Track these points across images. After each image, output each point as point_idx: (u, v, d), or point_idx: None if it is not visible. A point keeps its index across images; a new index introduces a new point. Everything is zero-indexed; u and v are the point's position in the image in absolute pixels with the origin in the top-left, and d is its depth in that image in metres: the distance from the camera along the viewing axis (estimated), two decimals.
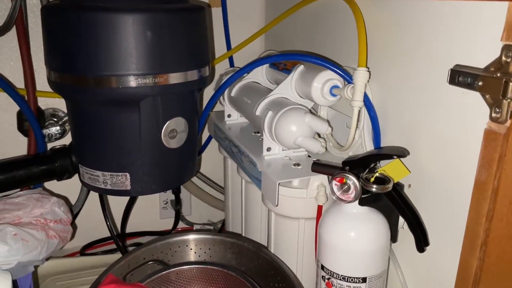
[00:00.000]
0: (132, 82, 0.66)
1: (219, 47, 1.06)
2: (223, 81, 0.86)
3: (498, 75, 0.44)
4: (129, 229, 1.09)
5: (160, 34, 0.67)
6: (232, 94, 0.86)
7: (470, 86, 0.47)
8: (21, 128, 0.93)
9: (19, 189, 0.84)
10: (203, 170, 1.16)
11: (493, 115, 0.46)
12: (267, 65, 0.84)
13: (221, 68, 1.02)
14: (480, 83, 0.46)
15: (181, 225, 1.16)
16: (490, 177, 0.47)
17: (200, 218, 1.21)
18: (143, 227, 1.15)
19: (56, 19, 0.68)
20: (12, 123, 0.94)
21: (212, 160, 1.14)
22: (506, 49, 0.44)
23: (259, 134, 0.84)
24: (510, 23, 0.44)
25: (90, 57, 0.66)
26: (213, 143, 1.02)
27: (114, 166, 0.73)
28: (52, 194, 0.83)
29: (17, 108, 0.91)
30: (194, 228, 1.18)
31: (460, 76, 0.48)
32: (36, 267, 0.72)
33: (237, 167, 0.86)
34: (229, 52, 1.04)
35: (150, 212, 1.15)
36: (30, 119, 0.87)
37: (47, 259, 0.74)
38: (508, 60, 0.44)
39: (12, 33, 0.87)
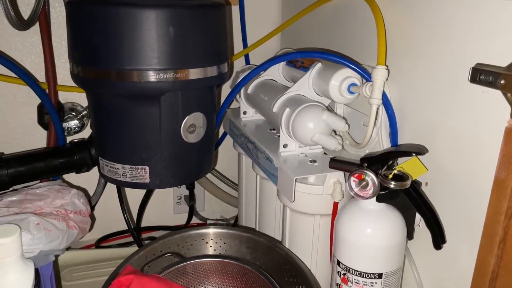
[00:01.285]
0: (153, 76, 0.67)
1: (236, 45, 1.07)
2: (240, 78, 0.87)
3: None
4: (143, 223, 1.10)
5: (182, 30, 0.68)
6: (249, 91, 0.87)
7: (491, 85, 0.48)
8: (42, 121, 0.95)
9: (39, 181, 0.86)
10: (217, 167, 1.17)
11: None
12: (284, 62, 0.85)
13: (238, 65, 1.03)
14: (502, 82, 0.46)
15: (194, 220, 1.18)
16: (510, 175, 0.47)
17: (213, 213, 1.22)
18: (157, 221, 1.16)
19: (81, 13, 0.69)
20: (33, 117, 0.96)
21: (226, 156, 1.15)
22: None
23: (274, 131, 0.85)
24: None
25: (113, 51, 0.67)
26: (227, 140, 1.03)
27: (134, 159, 0.74)
28: (71, 186, 0.85)
29: (37, 102, 0.93)
30: (207, 223, 1.19)
31: (482, 75, 0.49)
32: (56, 256, 0.74)
33: (252, 164, 0.87)
34: (245, 50, 1.05)
35: (164, 207, 1.17)
36: (51, 112, 0.89)
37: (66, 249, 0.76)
38: None
39: (34, 28, 0.89)
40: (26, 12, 0.89)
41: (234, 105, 0.96)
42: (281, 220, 0.80)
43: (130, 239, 1.05)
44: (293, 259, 0.71)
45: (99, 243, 1.09)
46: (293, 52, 0.84)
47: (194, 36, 0.70)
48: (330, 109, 0.78)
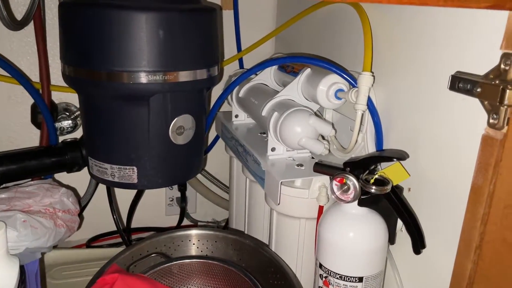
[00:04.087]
0: (143, 78, 0.68)
1: (230, 49, 1.08)
2: (231, 82, 0.88)
3: (497, 82, 0.46)
4: (134, 224, 1.11)
5: (172, 33, 0.69)
6: (240, 94, 0.88)
7: (469, 92, 0.49)
8: (35, 121, 0.96)
9: (30, 179, 0.87)
10: (209, 169, 1.17)
11: (491, 121, 0.47)
12: (276, 67, 0.86)
13: (231, 69, 1.04)
14: (479, 90, 0.47)
15: (185, 222, 1.18)
16: (486, 181, 0.48)
17: (204, 216, 1.23)
18: (149, 223, 1.17)
19: (73, 15, 0.70)
20: (26, 116, 0.97)
21: (218, 159, 1.16)
22: (505, 57, 0.45)
23: (265, 135, 0.85)
24: (510, 32, 0.45)
25: (103, 53, 0.68)
26: (220, 143, 1.04)
27: (122, 160, 0.75)
28: (62, 185, 0.85)
29: (31, 101, 0.94)
30: (198, 225, 1.20)
31: (460, 83, 0.50)
32: (43, 254, 0.74)
33: (242, 167, 0.87)
34: (239, 54, 1.06)
35: (156, 208, 1.17)
36: (44, 112, 0.90)
37: (54, 247, 0.76)
38: (507, 68, 0.45)
39: (30, 28, 0.90)
40: (21, 12, 0.90)
41: (227, 108, 0.97)
42: (268, 223, 0.81)
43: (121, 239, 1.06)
44: (277, 262, 0.72)
45: (90, 243, 1.09)
46: (283, 57, 0.85)
47: (184, 39, 0.71)
48: (318, 114, 0.78)
